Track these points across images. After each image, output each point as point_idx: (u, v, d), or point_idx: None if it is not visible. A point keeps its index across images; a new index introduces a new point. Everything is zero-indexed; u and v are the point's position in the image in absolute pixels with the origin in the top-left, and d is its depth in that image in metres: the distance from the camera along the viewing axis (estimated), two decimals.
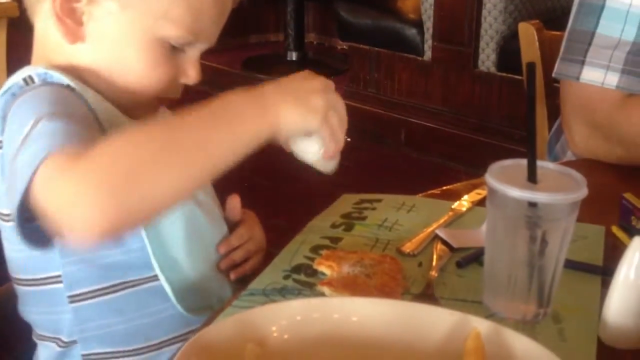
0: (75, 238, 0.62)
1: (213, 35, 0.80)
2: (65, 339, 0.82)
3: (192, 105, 0.66)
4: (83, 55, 0.78)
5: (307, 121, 0.70)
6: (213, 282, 0.85)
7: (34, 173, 0.62)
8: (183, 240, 0.81)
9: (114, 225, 0.60)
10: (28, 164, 0.63)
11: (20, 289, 0.84)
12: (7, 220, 0.78)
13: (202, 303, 0.83)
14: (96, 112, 0.76)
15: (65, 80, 0.76)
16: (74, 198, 0.60)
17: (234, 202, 0.89)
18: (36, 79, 0.76)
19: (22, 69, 0.78)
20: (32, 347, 0.87)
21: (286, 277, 0.81)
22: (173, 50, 0.78)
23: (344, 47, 3.79)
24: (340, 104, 0.74)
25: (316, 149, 0.75)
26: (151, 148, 0.62)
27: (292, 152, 0.76)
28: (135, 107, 0.81)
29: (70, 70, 0.78)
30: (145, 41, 0.76)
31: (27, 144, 0.65)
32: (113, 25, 0.76)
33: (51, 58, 0.80)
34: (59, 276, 0.79)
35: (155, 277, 0.80)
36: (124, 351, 0.81)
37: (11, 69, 2.09)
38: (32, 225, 0.66)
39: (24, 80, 0.76)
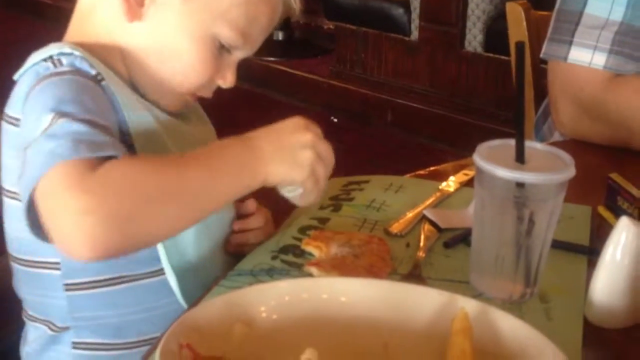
0: (65, 251, 0.65)
1: (257, 44, 0.84)
2: (57, 324, 0.81)
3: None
4: (132, 35, 0.79)
5: (292, 176, 0.74)
6: (217, 268, 0.84)
7: (43, 176, 0.64)
8: (192, 228, 0.79)
9: (107, 251, 0.64)
10: (40, 164, 0.64)
11: (15, 267, 0.83)
12: (13, 198, 0.78)
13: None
14: (120, 103, 0.75)
15: (92, 69, 0.75)
16: (74, 217, 0.62)
17: (251, 201, 0.90)
18: (64, 61, 0.75)
19: (47, 47, 0.77)
20: (18, 329, 0.87)
21: (274, 258, 0.81)
22: (220, 50, 0.81)
23: (331, 26, 3.77)
24: (328, 154, 0.77)
25: (296, 190, 0.77)
26: (156, 187, 0.66)
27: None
28: (168, 98, 0.82)
29: (106, 48, 0.78)
30: (199, 35, 0.78)
31: (44, 139, 0.66)
32: (173, 13, 0.78)
33: (90, 33, 0.79)
34: (56, 263, 0.78)
35: (154, 273, 0.79)
36: (114, 344, 0.81)
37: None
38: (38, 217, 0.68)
39: (51, 60, 0.75)
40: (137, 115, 0.76)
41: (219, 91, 0.86)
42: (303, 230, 0.87)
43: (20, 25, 4.39)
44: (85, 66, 0.75)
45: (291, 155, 0.73)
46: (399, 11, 3.21)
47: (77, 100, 0.70)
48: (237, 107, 3.13)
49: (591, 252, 0.81)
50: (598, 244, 0.73)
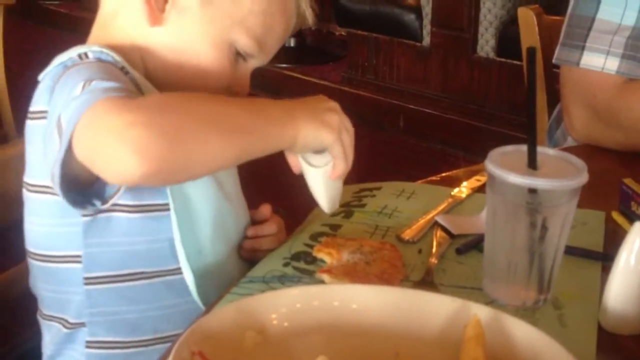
0: (116, 173, 0.64)
1: (272, 53, 0.86)
2: (71, 320, 0.81)
3: None
4: (152, 39, 0.81)
5: (322, 136, 0.75)
6: (232, 272, 0.85)
7: (80, 118, 0.64)
8: (210, 230, 0.81)
9: (157, 162, 0.63)
10: (76, 113, 0.64)
11: (33, 263, 0.83)
12: (36, 192, 0.79)
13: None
14: (145, 94, 0.77)
15: (117, 64, 0.77)
16: (120, 132, 0.62)
17: (266, 206, 0.92)
18: (90, 55, 0.77)
19: (75, 47, 0.79)
20: (32, 336, 0.87)
21: (286, 265, 0.81)
22: (236, 57, 0.83)
23: (342, 33, 3.77)
24: (351, 128, 0.79)
25: (324, 162, 0.79)
26: (197, 111, 0.67)
27: (300, 176, 0.81)
28: None
29: (127, 51, 0.80)
30: (218, 40, 0.81)
31: (77, 97, 0.67)
32: (193, 18, 0.80)
33: (111, 37, 0.81)
34: (76, 256, 0.79)
35: (174, 272, 0.80)
36: (129, 342, 0.81)
37: (8, 56, 2.08)
38: (70, 186, 0.69)
39: (79, 55, 0.77)
40: None
41: None
42: (315, 236, 0.86)
43: (36, 34, 4.43)
44: (111, 60, 0.77)
45: (320, 118, 0.76)
46: (410, 17, 3.21)
47: (106, 74, 0.72)
48: None
49: (605, 257, 0.80)
50: (612, 249, 0.72)
